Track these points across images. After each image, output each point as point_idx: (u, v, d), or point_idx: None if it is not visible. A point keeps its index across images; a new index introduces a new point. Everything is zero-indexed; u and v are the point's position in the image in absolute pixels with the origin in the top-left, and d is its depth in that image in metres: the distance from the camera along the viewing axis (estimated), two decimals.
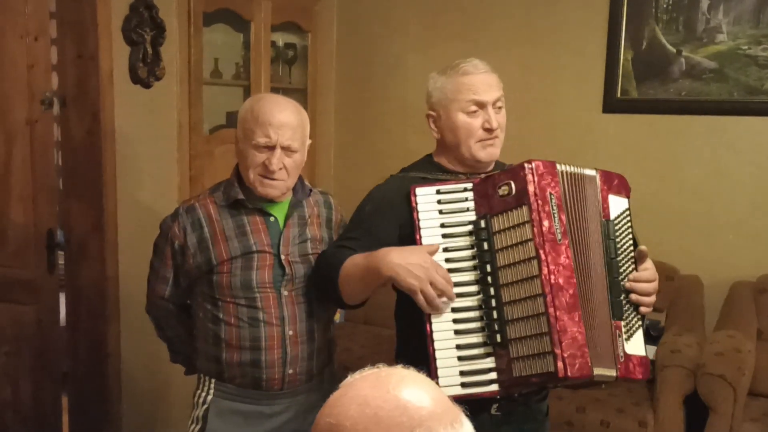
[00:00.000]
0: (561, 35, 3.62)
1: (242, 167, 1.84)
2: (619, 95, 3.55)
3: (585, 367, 1.51)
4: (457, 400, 0.87)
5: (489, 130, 1.75)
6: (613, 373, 1.60)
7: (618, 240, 1.69)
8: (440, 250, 1.63)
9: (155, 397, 3.04)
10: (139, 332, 2.77)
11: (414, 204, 1.67)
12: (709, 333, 3.14)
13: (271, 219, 1.86)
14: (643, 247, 1.71)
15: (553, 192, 1.59)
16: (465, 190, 1.68)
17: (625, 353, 1.62)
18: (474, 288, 1.62)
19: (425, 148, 1.90)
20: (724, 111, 3.35)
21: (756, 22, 3.28)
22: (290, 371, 1.84)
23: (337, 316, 2.86)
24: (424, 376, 0.87)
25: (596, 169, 1.72)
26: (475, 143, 1.75)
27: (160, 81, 2.91)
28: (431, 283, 1.56)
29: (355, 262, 1.67)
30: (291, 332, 1.84)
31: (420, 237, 1.65)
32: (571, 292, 1.55)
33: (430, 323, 1.60)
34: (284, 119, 1.78)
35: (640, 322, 1.70)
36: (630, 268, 1.71)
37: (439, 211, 1.66)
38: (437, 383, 0.91)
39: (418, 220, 1.66)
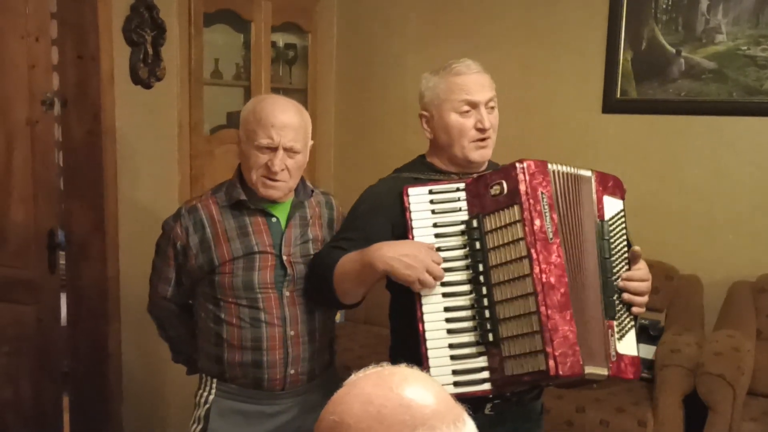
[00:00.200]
0: (560, 35, 3.63)
1: (245, 168, 1.84)
2: (618, 95, 3.55)
3: (576, 365, 1.52)
4: None
5: (481, 130, 1.75)
6: (604, 372, 1.60)
7: (612, 240, 1.69)
8: (433, 249, 1.64)
9: (156, 397, 3.05)
10: (140, 332, 2.77)
11: (406, 204, 1.68)
12: (709, 333, 3.15)
13: (273, 220, 1.87)
14: (636, 248, 1.72)
15: (544, 191, 1.60)
16: (457, 190, 1.68)
17: (617, 352, 1.63)
18: (466, 287, 1.63)
19: (425, 148, 1.91)
20: (724, 111, 3.36)
21: (755, 22, 3.29)
22: (292, 371, 1.85)
23: (338, 316, 2.86)
24: (428, 375, 0.88)
25: (592, 170, 1.72)
26: (467, 143, 1.76)
27: (161, 81, 2.91)
28: (427, 271, 1.57)
29: (349, 260, 1.68)
30: (292, 333, 1.84)
31: (413, 237, 1.66)
32: (562, 290, 1.56)
33: (423, 323, 1.61)
34: (287, 120, 1.78)
35: (633, 322, 1.70)
36: (624, 269, 1.71)
37: (432, 211, 1.67)
38: None
39: (411, 220, 1.67)
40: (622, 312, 1.68)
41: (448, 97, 1.75)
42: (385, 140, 3.97)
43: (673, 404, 2.83)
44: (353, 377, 0.87)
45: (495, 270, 1.60)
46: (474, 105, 1.75)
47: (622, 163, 3.47)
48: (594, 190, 1.70)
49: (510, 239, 1.59)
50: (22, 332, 2.74)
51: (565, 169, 1.66)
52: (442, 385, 1.52)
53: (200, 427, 1.89)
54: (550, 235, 1.57)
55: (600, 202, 1.70)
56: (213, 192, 1.92)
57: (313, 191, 1.96)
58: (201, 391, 1.92)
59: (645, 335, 3.16)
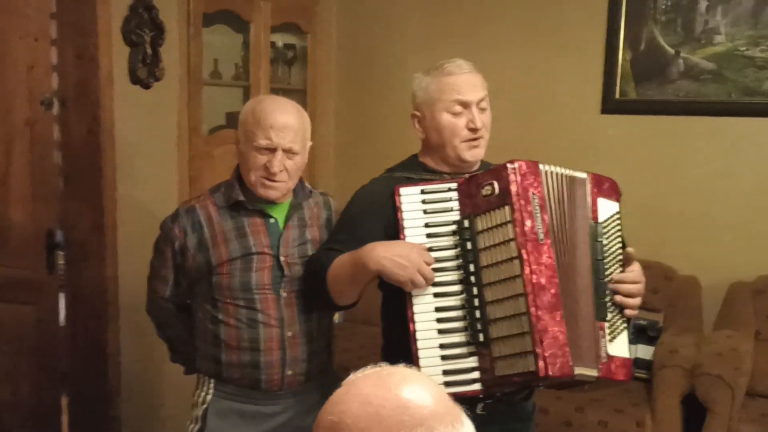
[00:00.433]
0: (560, 36, 3.63)
1: (243, 169, 1.85)
2: (617, 96, 3.56)
3: (566, 366, 1.53)
4: None
5: (473, 130, 1.76)
6: (594, 373, 1.60)
7: (606, 243, 1.69)
8: (425, 249, 1.64)
9: (155, 397, 3.05)
10: (139, 332, 2.77)
11: (398, 204, 1.68)
12: (707, 333, 3.15)
13: (271, 220, 1.87)
14: (630, 249, 1.72)
15: (535, 192, 1.60)
16: (449, 190, 1.69)
17: (607, 354, 1.63)
18: (457, 288, 1.63)
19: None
20: (722, 112, 3.37)
21: (754, 23, 3.29)
22: (289, 372, 1.85)
23: (337, 317, 2.86)
24: (426, 376, 0.88)
25: (587, 172, 1.72)
26: (459, 143, 1.76)
27: (160, 82, 2.91)
28: (419, 271, 1.58)
29: (342, 261, 1.69)
30: (290, 333, 1.85)
31: (404, 237, 1.66)
32: (552, 291, 1.56)
33: (414, 323, 1.62)
34: (286, 121, 1.78)
35: (625, 324, 1.70)
36: (618, 271, 1.71)
37: (424, 211, 1.68)
38: None
39: (403, 220, 1.67)
40: (614, 314, 1.68)
41: (440, 97, 1.76)
42: (385, 140, 3.97)
43: (671, 405, 2.83)
44: (352, 377, 0.87)
45: (486, 270, 1.60)
46: (466, 105, 1.75)
47: (621, 163, 3.48)
48: (588, 192, 1.70)
49: (501, 240, 1.59)
50: (21, 332, 2.74)
51: (558, 170, 1.67)
52: None
53: (198, 427, 1.89)
54: (541, 236, 1.58)
55: (594, 203, 1.70)
56: (211, 192, 1.92)
57: (311, 192, 1.96)
58: (199, 391, 1.92)
59: (643, 336, 3.17)
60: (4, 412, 2.78)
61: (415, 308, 1.62)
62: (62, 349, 2.89)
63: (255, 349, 1.83)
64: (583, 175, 1.71)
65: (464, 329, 1.61)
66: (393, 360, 0.94)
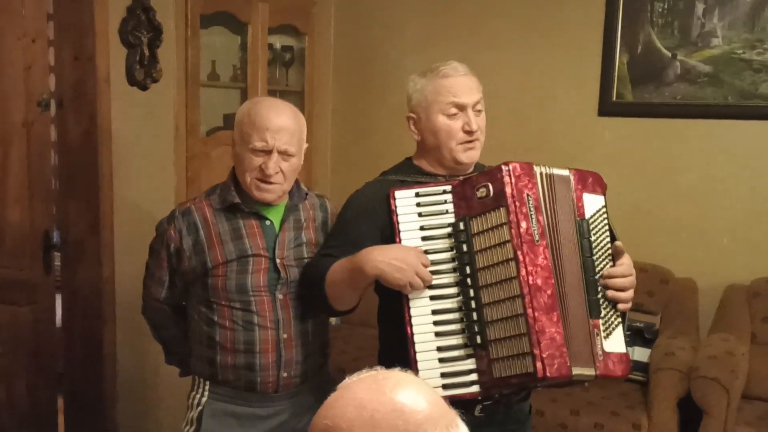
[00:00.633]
0: (557, 39, 3.64)
1: (239, 171, 1.85)
2: (614, 99, 3.56)
3: (564, 367, 1.53)
4: None
5: (469, 132, 1.76)
6: (592, 372, 1.60)
7: (594, 238, 1.69)
8: (421, 252, 1.65)
9: (150, 399, 3.04)
10: (135, 333, 2.77)
11: (393, 207, 1.68)
12: (703, 336, 3.16)
13: (267, 222, 1.87)
14: (618, 243, 1.72)
15: (530, 193, 1.60)
16: (444, 192, 1.69)
17: (603, 351, 1.63)
18: (454, 290, 1.63)
19: None
20: (719, 115, 3.37)
21: (750, 26, 3.30)
22: (285, 374, 1.85)
23: (332, 319, 2.86)
24: (421, 380, 0.88)
25: (569, 168, 1.72)
26: (455, 145, 1.77)
27: (157, 83, 2.91)
28: (417, 274, 1.59)
29: (339, 267, 1.69)
30: (285, 336, 1.84)
31: (400, 240, 1.66)
32: (549, 292, 1.56)
33: (411, 326, 1.62)
34: (282, 123, 1.78)
35: (619, 320, 1.70)
36: (608, 266, 1.71)
37: (419, 214, 1.68)
38: None
39: (398, 223, 1.67)
40: (607, 310, 1.68)
41: (436, 99, 1.76)
42: (383, 142, 3.97)
43: (667, 408, 2.83)
44: (347, 381, 0.87)
45: (482, 272, 1.61)
46: (461, 107, 1.76)
47: (618, 166, 3.49)
48: (573, 189, 1.70)
49: (496, 242, 1.60)
50: (17, 333, 2.73)
51: (549, 170, 1.67)
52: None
53: (193, 428, 1.89)
54: (537, 237, 1.58)
55: (579, 200, 1.70)
56: (207, 194, 1.92)
57: (307, 194, 1.96)
58: (194, 393, 1.92)
59: (640, 338, 3.17)
60: (0, 413, 2.77)
61: (412, 311, 1.63)
62: (58, 349, 2.89)
63: (250, 351, 1.83)
64: (566, 173, 1.71)
65: (461, 331, 1.61)
66: (390, 364, 0.94)
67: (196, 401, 1.90)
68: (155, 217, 2.03)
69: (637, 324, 3.20)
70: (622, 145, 3.56)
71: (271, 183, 1.80)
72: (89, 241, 2.83)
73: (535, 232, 1.58)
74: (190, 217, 1.87)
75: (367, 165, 4.00)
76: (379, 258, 1.59)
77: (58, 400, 2.88)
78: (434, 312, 1.62)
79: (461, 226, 1.64)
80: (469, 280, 1.62)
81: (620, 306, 1.70)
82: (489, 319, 1.59)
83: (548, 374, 1.51)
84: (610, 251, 1.72)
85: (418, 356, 1.60)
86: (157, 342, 2.08)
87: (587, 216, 1.70)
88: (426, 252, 1.64)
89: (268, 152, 1.78)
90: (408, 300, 1.63)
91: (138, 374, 2.98)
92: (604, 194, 1.76)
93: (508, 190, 1.59)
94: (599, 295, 1.67)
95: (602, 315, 1.66)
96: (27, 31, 2.59)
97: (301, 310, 1.87)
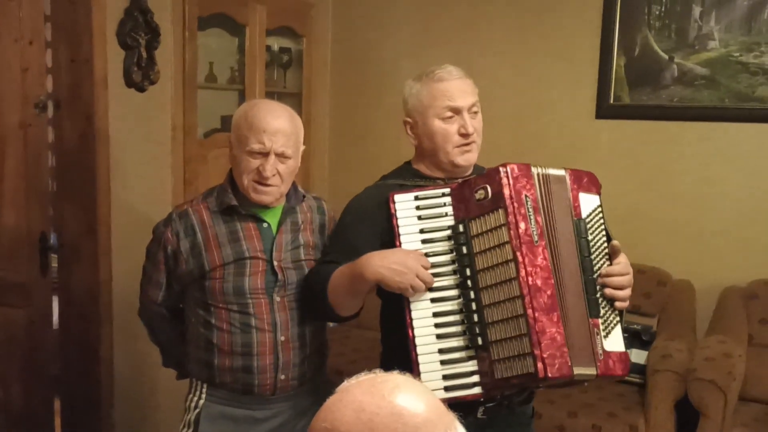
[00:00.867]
0: (554, 41, 3.65)
1: (236, 173, 1.85)
2: (611, 101, 3.57)
3: (565, 367, 1.53)
4: None
5: (465, 135, 1.77)
6: (593, 371, 1.61)
7: (591, 238, 1.70)
8: (421, 255, 1.65)
9: (147, 401, 3.04)
10: (132, 336, 2.77)
11: (393, 211, 1.69)
12: (700, 338, 3.16)
13: (264, 225, 1.87)
14: (615, 242, 1.73)
15: (528, 194, 1.61)
16: (443, 195, 1.70)
17: (603, 350, 1.63)
18: (454, 292, 1.64)
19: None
20: (716, 117, 3.38)
21: (747, 29, 3.31)
22: (282, 377, 1.85)
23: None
24: (420, 383, 0.88)
25: (565, 168, 1.73)
26: (452, 149, 1.77)
27: (155, 85, 2.91)
28: (418, 276, 1.59)
29: (340, 273, 1.70)
30: (283, 338, 1.84)
31: (400, 243, 1.67)
32: (549, 292, 1.57)
33: (412, 328, 1.62)
34: (278, 126, 1.78)
35: (618, 318, 1.71)
36: (605, 265, 1.71)
37: (418, 217, 1.69)
38: None
39: (398, 227, 1.68)
40: (606, 309, 1.69)
41: (431, 103, 1.77)
42: (380, 145, 3.98)
43: (664, 409, 2.83)
44: (345, 384, 0.87)
45: (482, 274, 1.61)
46: (457, 111, 1.76)
47: (615, 168, 3.49)
48: (569, 189, 1.71)
49: (496, 243, 1.60)
50: (13, 335, 2.72)
51: (546, 170, 1.68)
52: (433, 390, 1.55)
53: (190, 431, 1.89)
54: (536, 238, 1.59)
55: (576, 200, 1.71)
56: (204, 197, 1.92)
57: (304, 196, 1.96)
58: (191, 396, 1.92)
59: (637, 340, 3.18)
60: None
61: (413, 314, 1.63)
62: (54, 352, 2.88)
63: (248, 353, 1.82)
64: (561, 173, 1.71)
65: (462, 333, 1.62)
66: (392, 366, 0.94)
67: (193, 404, 1.90)
68: (152, 219, 2.03)
69: (635, 326, 3.21)
70: (620, 147, 3.57)
71: (268, 185, 1.80)
72: (86, 243, 2.83)
73: (534, 232, 1.59)
74: (187, 219, 1.86)
75: (364, 167, 4.03)
76: (378, 263, 1.60)
77: (54, 402, 2.88)
78: (435, 314, 1.63)
79: (461, 228, 1.65)
80: (469, 282, 1.62)
81: (618, 304, 1.70)
82: (490, 320, 1.59)
83: (549, 374, 1.51)
84: (607, 250, 1.73)
85: (420, 358, 1.61)
86: (154, 344, 2.08)
87: (583, 215, 1.70)
88: (426, 255, 1.65)
89: (265, 154, 1.78)
90: (409, 303, 1.63)
91: (135, 377, 2.97)
92: (599, 194, 1.77)
93: (506, 191, 1.60)
94: (598, 295, 1.67)
95: (601, 314, 1.67)
96: (24, 33, 2.59)
97: (298, 313, 1.87)
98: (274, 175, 1.79)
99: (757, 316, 3.14)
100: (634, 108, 3.54)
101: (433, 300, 1.64)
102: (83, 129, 2.77)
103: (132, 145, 2.88)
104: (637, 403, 2.97)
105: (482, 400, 1.64)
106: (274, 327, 1.83)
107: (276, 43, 3.93)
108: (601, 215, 1.75)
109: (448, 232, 1.67)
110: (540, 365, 1.52)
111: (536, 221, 1.60)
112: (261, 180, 1.79)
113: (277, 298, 1.84)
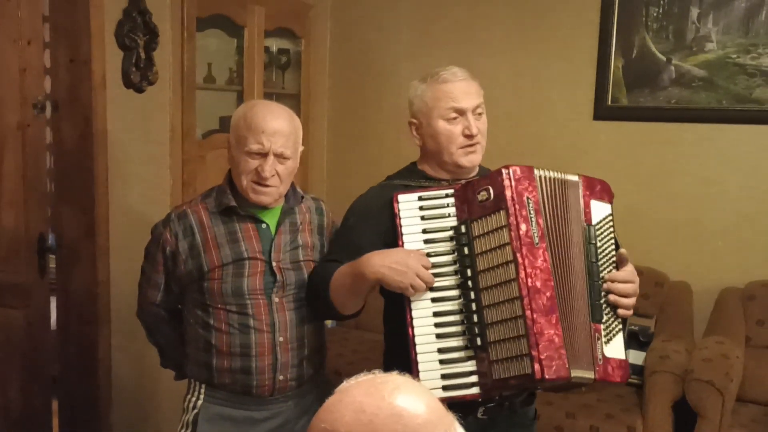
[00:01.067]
0: (552, 43, 3.65)
1: (235, 174, 1.85)
2: (609, 103, 3.57)
3: (562, 368, 1.54)
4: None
5: (469, 137, 1.78)
6: (591, 375, 1.62)
7: (599, 245, 1.71)
8: (422, 254, 1.66)
9: (145, 402, 3.04)
10: (130, 336, 2.76)
11: (396, 210, 1.70)
12: (698, 339, 3.16)
13: (263, 226, 1.87)
14: (623, 251, 1.74)
15: (530, 196, 1.62)
16: (446, 196, 1.71)
17: (603, 356, 1.64)
18: (455, 292, 1.65)
19: (418, 154, 1.92)
20: (713, 119, 3.39)
21: (745, 31, 3.32)
22: (281, 378, 1.85)
23: (329, 322, 2.86)
24: (419, 384, 0.88)
25: (579, 174, 1.74)
26: (456, 150, 1.78)
27: (153, 86, 2.91)
28: (418, 276, 1.60)
29: (342, 272, 1.71)
30: (282, 339, 1.84)
31: (402, 243, 1.68)
32: (548, 294, 1.57)
33: (413, 327, 1.63)
34: (277, 126, 1.79)
35: (620, 326, 1.72)
36: (611, 272, 1.72)
37: (421, 217, 1.70)
38: None
39: (401, 227, 1.69)
40: (609, 316, 1.70)
41: (436, 104, 1.78)
42: (378, 146, 3.98)
43: (662, 410, 2.84)
44: (345, 384, 0.87)
45: (482, 275, 1.62)
46: (461, 112, 1.77)
47: (613, 169, 3.49)
48: (581, 195, 1.72)
49: (496, 244, 1.61)
50: (12, 336, 2.72)
51: (552, 174, 1.69)
52: (432, 389, 1.56)
53: (188, 431, 1.88)
54: (536, 240, 1.60)
55: (587, 206, 1.72)
56: (203, 197, 1.92)
57: (303, 197, 1.96)
58: (189, 396, 1.92)
59: (635, 341, 3.18)
60: None
61: (414, 313, 1.64)
62: (53, 353, 2.88)
63: (246, 354, 1.82)
64: (575, 178, 1.73)
65: (462, 333, 1.63)
66: (395, 364, 0.94)
67: (191, 404, 1.90)
68: (151, 220, 2.02)
69: (632, 327, 3.21)
70: (618, 148, 3.57)
71: (267, 186, 1.80)
72: (84, 244, 2.83)
73: (535, 234, 1.60)
74: (186, 220, 1.86)
75: (362, 168, 4.04)
76: (379, 262, 1.61)
77: (52, 404, 2.87)
78: (435, 314, 1.64)
79: (463, 229, 1.66)
80: (470, 283, 1.63)
81: (621, 312, 1.71)
82: (489, 321, 1.60)
83: (546, 376, 1.52)
84: (614, 259, 1.73)
85: (419, 357, 1.62)
86: (153, 345, 2.07)
87: (594, 222, 1.71)
88: (428, 255, 1.66)
89: (263, 155, 1.78)
90: (410, 302, 1.64)
91: (133, 377, 2.97)
92: (611, 203, 1.78)
93: (508, 193, 1.61)
94: (602, 300, 1.68)
95: (604, 320, 1.67)
96: (22, 34, 2.59)
97: (297, 314, 1.87)
98: (272, 176, 1.79)
99: (754, 317, 3.15)
100: (632, 109, 3.54)
101: (433, 300, 1.65)
102: (82, 130, 2.77)
103: (130, 146, 2.88)
104: (634, 404, 2.97)
105: (481, 400, 1.65)
106: (272, 328, 1.83)
107: (274, 44, 3.93)
108: (611, 224, 1.76)
109: (451, 232, 1.68)
110: (537, 366, 1.52)
111: (537, 223, 1.61)
112: (260, 180, 1.80)
113: (276, 299, 1.84)
